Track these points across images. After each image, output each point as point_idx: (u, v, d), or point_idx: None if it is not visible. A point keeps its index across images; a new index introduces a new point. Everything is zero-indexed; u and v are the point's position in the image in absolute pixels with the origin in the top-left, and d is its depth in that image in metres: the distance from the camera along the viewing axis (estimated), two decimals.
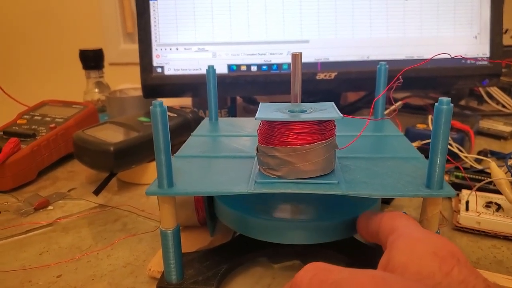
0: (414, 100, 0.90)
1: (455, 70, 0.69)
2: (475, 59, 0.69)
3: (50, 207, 0.53)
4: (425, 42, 0.68)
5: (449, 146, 0.57)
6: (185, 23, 0.68)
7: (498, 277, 0.35)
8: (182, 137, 0.48)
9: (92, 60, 0.89)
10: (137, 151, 0.56)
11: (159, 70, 0.69)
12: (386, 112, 0.50)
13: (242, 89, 0.72)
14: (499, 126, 0.78)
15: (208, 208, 0.41)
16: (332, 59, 0.69)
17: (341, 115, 0.32)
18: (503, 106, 0.89)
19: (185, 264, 0.36)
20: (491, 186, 0.49)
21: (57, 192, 0.56)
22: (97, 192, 0.54)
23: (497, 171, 0.45)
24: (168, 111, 0.67)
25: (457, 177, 0.54)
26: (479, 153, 0.64)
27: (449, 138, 0.58)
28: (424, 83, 0.71)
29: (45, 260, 0.42)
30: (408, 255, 0.25)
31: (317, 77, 0.68)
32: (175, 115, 0.65)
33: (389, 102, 0.52)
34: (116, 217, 0.50)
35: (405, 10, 0.68)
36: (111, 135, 0.56)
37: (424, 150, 0.39)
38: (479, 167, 0.55)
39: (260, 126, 0.35)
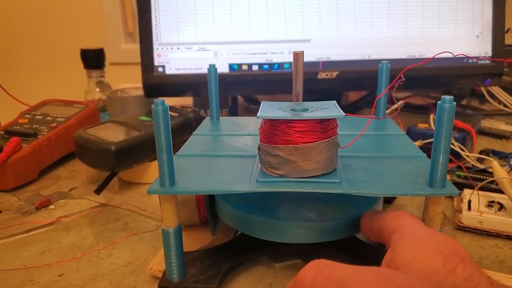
0: (415, 99, 0.90)
1: (456, 69, 0.68)
2: (477, 58, 0.69)
3: (51, 206, 0.53)
4: (426, 41, 0.68)
5: (451, 146, 0.57)
6: (186, 22, 0.68)
7: (500, 277, 0.35)
8: (183, 137, 0.48)
9: (93, 59, 0.89)
10: (138, 151, 0.56)
11: (160, 69, 0.68)
12: (387, 111, 0.50)
13: (243, 88, 0.72)
14: (501, 125, 0.78)
15: (209, 207, 0.41)
16: (333, 58, 0.69)
17: (343, 113, 0.32)
18: (505, 105, 0.89)
19: (187, 263, 0.36)
20: (493, 186, 0.49)
21: (59, 191, 0.56)
22: (98, 191, 0.54)
23: (499, 170, 0.45)
24: (169, 110, 0.67)
25: (459, 176, 0.54)
26: (481, 152, 0.64)
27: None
28: (426, 82, 0.71)
29: (47, 259, 0.42)
30: (412, 253, 0.25)
31: (319, 77, 0.68)
32: (176, 114, 0.65)
33: (390, 101, 0.52)
34: (117, 216, 0.50)
35: (407, 9, 0.68)
36: (112, 134, 0.56)
37: (426, 150, 0.39)
38: (481, 166, 0.55)
39: (262, 125, 0.35)
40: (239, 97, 0.88)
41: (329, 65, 0.69)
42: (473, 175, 0.52)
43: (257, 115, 0.33)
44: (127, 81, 0.96)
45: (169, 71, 0.69)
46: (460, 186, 0.50)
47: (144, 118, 0.63)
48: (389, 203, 0.50)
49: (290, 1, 0.67)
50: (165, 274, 0.35)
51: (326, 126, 0.33)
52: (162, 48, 0.68)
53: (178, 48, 0.68)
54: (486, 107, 0.91)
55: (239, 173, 0.35)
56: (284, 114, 0.33)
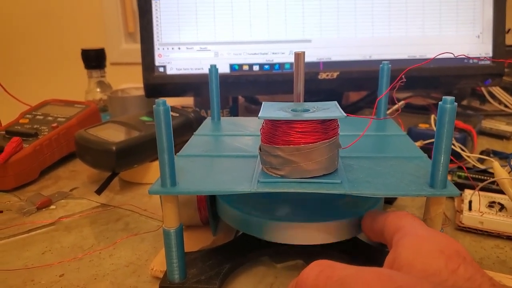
0: (416, 100, 0.90)
1: (457, 69, 0.68)
2: (478, 58, 0.69)
3: (52, 207, 0.53)
4: (427, 42, 0.68)
5: (451, 146, 0.57)
6: (187, 23, 0.68)
7: (501, 277, 0.35)
8: (184, 137, 0.48)
9: (94, 59, 0.89)
10: (139, 151, 0.56)
11: (161, 69, 0.69)
12: (388, 111, 0.50)
13: (244, 88, 0.72)
14: (502, 126, 0.78)
15: (210, 208, 0.41)
16: (334, 58, 0.69)
17: (344, 114, 0.32)
18: (506, 106, 0.89)
19: (188, 263, 0.36)
20: (494, 186, 0.49)
21: (59, 192, 0.56)
22: (99, 191, 0.54)
23: (500, 171, 0.45)
24: (170, 110, 0.67)
25: (459, 177, 0.54)
26: (481, 153, 0.64)
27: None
28: (426, 82, 0.71)
29: (48, 259, 0.42)
30: (414, 253, 0.25)
31: (319, 77, 0.68)
32: (177, 114, 0.65)
33: (391, 101, 0.52)
34: (118, 216, 0.50)
35: (407, 9, 0.68)
36: (113, 134, 0.56)
37: (427, 150, 0.39)
38: (482, 167, 0.55)
39: (263, 125, 0.35)
40: (239, 97, 0.88)
41: (330, 65, 0.69)
42: (474, 176, 0.52)
43: (259, 115, 0.33)
44: (127, 81, 0.96)
45: (170, 71, 0.69)
46: (461, 187, 0.50)
47: (145, 118, 0.63)
48: (390, 203, 0.50)
49: (290, 1, 0.67)
50: (166, 274, 0.35)
51: (327, 127, 0.33)
52: (163, 48, 0.68)
53: (179, 48, 0.68)
54: (486, 107, 0.91)
55: (240, 173, 0.35)
56: (285, 114, 0.33)
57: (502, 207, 0.45)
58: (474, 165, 0.56)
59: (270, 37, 0.68)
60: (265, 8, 0.68)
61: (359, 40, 0.68)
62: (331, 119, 0.33)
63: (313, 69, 0.68)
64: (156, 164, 0.58)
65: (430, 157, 0.32)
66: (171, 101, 0.85)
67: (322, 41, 0.68)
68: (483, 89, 0.90)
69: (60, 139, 0.65)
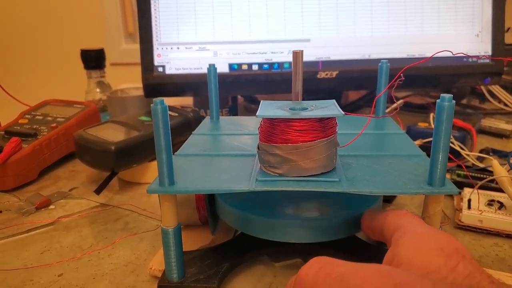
0: (415, 98, 0.90)
1: (456, 68, 0.68)
2: (477, 57, 0.68)
3: (51, 206, 0.53)
4: (426, 40, 0.68)
5: (451, 144, 0.56)
6: (186, 22, 0.68)
7: (500, 275, 0.35)
8: (183, 137, 0.48)
9: (93, 60, 0.90)
10: (138, 150, 0.56)
11: (160, 69, 0.69)
12: (387, 110, 0.50)
13: (243, 88, 0.72)
14: (501, 124, 0.77)
15: (209, 207, 0.41)
16: (333, 57, 0.69)
17: (342, 112, 0.32)
18: (505, 104, 0.89)
19: (186, 262, 0.36)
20: (493, 184, 0.49)
21: (59, 192, 0.56)
22: (98, 191, 0.54)
23: (499, 169, 0.45)
24: (169, 110, 0.67)
25: (459, 175, 0.54)
26: (481, 151, 0.64)
27: (451, 136, 0.58)
28: (426, 81, 0.71)
29: (47, 259, 0.42)
30: (414, 251, 0.25)
31: (318, 76, 0.68)
32: (176, 114, 0.65)
33: (390, 100, 0.52)
34: (117, 216, 0.50)
35: (406, 8, 0.68)
36: (112, 134, 0.56)
37: (426, 149, 0.39)
38: (481, 165, 0.55)
39: (261, 124, 0.35)
40: (239, 96, 0.88)
41: (329, 64, 0.69)
42: (473, 174, 0.52)
43: (257, 114, 0.33)
44: (127, 81, 0.97)
45: (169, 71, 0.69)
46: (460, 185, 0.50)
47: (144, 118, 0.63)
48: (389, 202, 0.50)
49: (290, 1, 0.67)
50: (165, 273, 0.35)
51: (325, 125, 0.33)
52: (162, 48, 0.68)
53: (178, 48, 0.68)
54: (486, 106, 0.91)
55: (238, 172, 0.35)
56: (283, 113, 0.33)
57: (501, 205, 0.45)
58: (473, 164, 0.56)
59: (269, 37, 0.68)
60: (264, 7, 0.68)
61: (358, 39, 0.68)
62: (329, 118, 0.33)
63: (312, 68, 0.68)
64: (155, 163, 0.57)
65: (429, 155, 0.32)
66: (170, 101, 0.85)
67: (321, 40, 0.68)
68: (482, 87, 0.90)
69: (60, 139, 0.65)
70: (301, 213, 0.37)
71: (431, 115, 0.65)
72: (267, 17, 0.68)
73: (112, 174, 0.55)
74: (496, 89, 0.89)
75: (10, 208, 0.52)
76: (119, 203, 0.53)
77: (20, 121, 0.68)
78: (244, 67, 0.69)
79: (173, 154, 0.36)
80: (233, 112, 0.82)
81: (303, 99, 0.37)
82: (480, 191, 0.47)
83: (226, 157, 0.39)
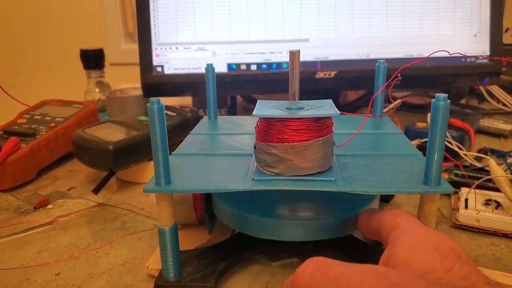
0: (414, 98, 0.90)
1: (454, 68, 0.69)
2: (475, 57, 0.69)
3: (49, 206, 0.53)
4: (424, 41, 0.68)
5: (449, 144, 0.57)
6: (184, 22, 0.68)
7: (496, 275, 0.35)
8: (182, 136, 0.48)
9: (92, 60, 0.90)
10: (137, 150, 0.56)
11: (159, 69, 0.69)
12: (385, 110, 0.50)
13: (241, 88, 0.72)
14: (500, 124, 0.78)
15: (206, 206, 0.41)
16: (331, 57, 0.69)
17: (338, 112, 0.32)
18: (504, 104, 0.89)
19: (183, 262, 0.36)
20: (491, 184, 0.49)
21: (57, 191, 0.56)
22: (96, 190, 0.54)
23: (496, 169, 0.45)
24: (167, 110, 0.67)
25: (456, 175, 0.54)
26: (479, 151, 0.64)
27: (449, 136, 0.58)
28: (424, 81, 0.71)
29: (44, 258, 0.42)
30: (410, 251, 0.25)
31: (317, 76, 0.68)
32: (175, 114, 0.65)
33: (388, 100, 0.52)
34: (115, 215, 0.50)
35: (405, 8, 0.68)
36: (111, 134, 0.56)
37: (424, 148, 0.39)
38: (479, 165, 0.55)
39: (257, 124, 0.35)
40: (238, 96, 0.88)
41: (327, 64, 0.69)
42: (471, 174, 0.52)
43: (253, 113, 0.33)
44: (127, 81, 0.97)
45: (167, 71, 0.69)
46: (458, 185, 0.51)
47: (142, 118, 0.63)
48: (386, 201, 0.50)
49: (288, 1, 0.67)
50: (161, 273, 0.35)
51: (321, 125, 0.33)
52: (161, 48, 0.68)
53: (176, 48, 0.69)
54: (485, 106, 0.91)
55: (235, 171, 0.35)
56: (280, 112, 0.33)
57: (498, 205, 0.45)
58: (471, 164, 0.56)
59: (267, 37, 0.68)
60: (263, 7, 0.68)
61: (356, 39, 0.68)
62: (325, 117, 0.33)
63: (310, 68, 0.68)
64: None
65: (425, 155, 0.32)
66: (169, 101, 0.86)
67: (319, 40, 0.68)
68: (481, 87, 0.90)
69: (58, 139, 0.65)
70: (297, 212, 0.37)
71: (428, 115, 0.65)
72: (265, 17, 0.68)
73: (110, 174, 0.55)
74: (495, 89, 0.89)
75: (8, 207, 0.52)
76: (117, 203, 0.53)
77: (18, 120, 0.68)
78: (243, 67, 0.69)
79: (171, 153, 0.36)
80: (232, 112, 0.82)
81: (301, 99, 0.37)
82: (477, 190, 0.47)
83: (223, 156, 0.39)
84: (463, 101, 0.93)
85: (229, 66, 0.69)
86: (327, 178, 0.32)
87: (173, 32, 0.68)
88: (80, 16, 1.67)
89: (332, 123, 0.34)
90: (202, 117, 0.57)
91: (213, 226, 0.44)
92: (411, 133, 0.62)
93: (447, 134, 0.59)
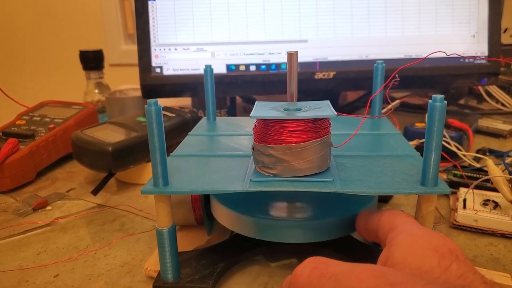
0: (412, 99, 0.90)
1: (453, 69, 0.69)
2: (473, 57, 0.69)
3: (48, 207, 0.53)
4: (423, 41, 0.68)
5: (447, 145, 0.57)
6: (183, 23, 0.68)
7: (494, 275, 0.35)
8: (181, 137, 0.48)
9: (92, 61, 0.90)
10: (136, 151, 0.56)
11: (158, 70, 0.69)
12: (383, 111, 0.50)
13: (241, 89, 0.72)
14: (498, 124, 0.78)
15: (205, 207, 0.41)
16: (330, 58, 0.69)
17: (335, 113, 0.32)
18: (502, 104, 0.89)
19: (182, 263, 0.36)
20: (489, 184, 0.49)
21: (56, 193, 0.56)
22: (95, 192, 0.54)
23: (494, 169, 0.45)
24: (166, 111, 0.67)
25: (455, 175, 0.54)
26: (477, 151, 0.64)
27: (447, 137, 0.58)
28: (423, 82, 0.71)
29: (43, 260, 0.42)
30: (407, 251, 0.25)
31: (316, 77, 0.68)
32: (174, 115, 0.65)
33: (386, 100, 0.52)
34: (114, 217, 0.50)
35: (403, 9, 0.68)
36: (110, 135, 0.56)
37: (422, 149, 0.39)
38: (478, 165, 0.55)
39: (255, 125, 0.35)
40: (237, 97, 0.88)
41: (326, 65, 0.69)
42: (469, 174, 0.52)
43: (250, 114, 0.33)
44: (127, 82, 0.97)
45: (166, 71, 0.69)
46: (456, 185, 0.51)
47: (141, 119, 0.63)
48: (385, 202, 0.50)
49: (287, 2, 0.68)
50: (160, 274, 0.35)
51: (319, 126, 0.33)
52: (160, 49, 0.68)
53: (175, 49, 0.69)
54: (484, 106, 0.91)
55: (233, 172, 0.35)
56: (277, 114, 0.33)
57: (496, 205, 0.45)
58: (470, 164, 0.56)
59: (266, 38, 0.69)
60: (262, 8, 0.68)
61: (355, 40, 0.68)
62: (323, 118, 0.33)
63: (309, 69, 0.68)
64: None
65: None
66: (169, 102, 0.86)
67: (318, 41, 0.69)
68: (480, 88, 0.90)
69: (57, 140, 0.65)
70: (295, 213, 0.37)
71: (426, 115, 0.65)
72: (264, 18, 0.68)
73: (109, 175, 0.55)
74: (494, 90, 0.89)
75: (7, 209, 0.52)
76: (116, 204, 0.53)
77: (17, 122, 0.68)
78: (242, 68, 0.69)
79: (169, 154, 0.36)
80: (232, 112, 0.82)
81: (300, 100, 0.37)
82: (475, 191, 0.47)
83: (222, 157, 0.39)
84: (462, 101, 0.93)
85: (228, 67, 0.69)
86: (325, 179, 0.32)
87: (172, 33, 0.68)
88: (80, 17, 1.67)
89: (330, 124, 0.34)
90: (201, 117, 0.57)
91: (211, 227, 0.44)
92: (410, 134, 0.62)
93: (446, 134, 0.59)
